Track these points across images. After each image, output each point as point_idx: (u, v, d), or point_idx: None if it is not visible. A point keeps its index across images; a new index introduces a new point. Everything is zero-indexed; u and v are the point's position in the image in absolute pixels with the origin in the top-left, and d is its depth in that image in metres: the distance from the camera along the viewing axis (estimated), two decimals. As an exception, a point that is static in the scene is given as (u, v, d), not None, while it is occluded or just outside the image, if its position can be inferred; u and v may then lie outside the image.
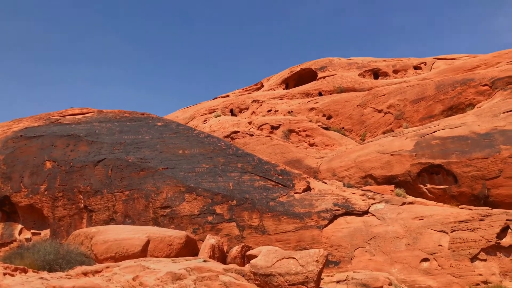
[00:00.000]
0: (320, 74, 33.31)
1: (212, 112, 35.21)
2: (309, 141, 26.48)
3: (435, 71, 28.56)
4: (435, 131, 18.54)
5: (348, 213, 12.17)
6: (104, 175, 14.96)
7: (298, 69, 35.75)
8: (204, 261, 8.88)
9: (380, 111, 25.70)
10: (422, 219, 11.38)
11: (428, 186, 16.94)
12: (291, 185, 13.52)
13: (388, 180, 17.93)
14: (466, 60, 28.54)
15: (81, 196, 14.93)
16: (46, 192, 15.33)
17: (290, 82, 36.39)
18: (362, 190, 15.36)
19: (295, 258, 9.74)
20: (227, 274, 7.02)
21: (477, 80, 22.80)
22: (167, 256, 11.15)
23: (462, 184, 16.02)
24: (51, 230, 15.24)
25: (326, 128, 27.08)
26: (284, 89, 35.46)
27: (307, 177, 14.26)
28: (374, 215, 11.94)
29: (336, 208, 12.22)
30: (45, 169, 15.83)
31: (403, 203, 12.45)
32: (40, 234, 15.66)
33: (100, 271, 8.92)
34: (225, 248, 11.98)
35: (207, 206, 13.27)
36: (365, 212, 12.11)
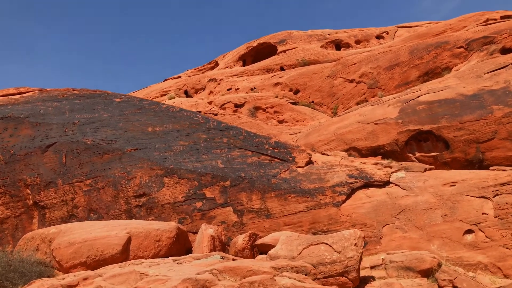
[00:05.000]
0: (280, 48, 31.38)
1: (165, 95, 32.32)
2: (278, 117, 24.54)
3: (399, 39, 27.56)
4: (419, 96, 17.20)
5: (367, 185, 10.33)
6: (56, 162, 12.04)
7: (256, 44, 33.58)
8: (222, 257, 6.62)
9: (352, 81, 24.23)
10: (455, 185, 9.80)
11: (417, 154, 15.57)
12: (290, 158, 11.45)
13: (374, 151, 16.46)
14: (430, 26, 27.77)
15: (29, 191, 11.94)
16: (-19, 190, 12.16)
17: (247, 59, 34.19)
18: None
19: (327, 244, 7.74)
20: (284, 275, 4.86)
21: (451, 42, 21.87)
22: (156, 256, 8.74)
23: (455, 150, 14.74)
24: (-9, 236, 12.13)
25: (295, 103, 25.29)
26: (241, 66, 33.21)
27: (306, 149, 12.27)
28: (397, 185, 10.20)
29: (353, 180, 10.33)
30: (-23, 160, 12.58)
31: (425, 169, 10.83)
32: (-24, 242, 12.48)
33: (75, 286, 6.37)
34: (222, 238, 9.73)
35: (194, 190, 10.88)
36: (386, 183, 10.34)
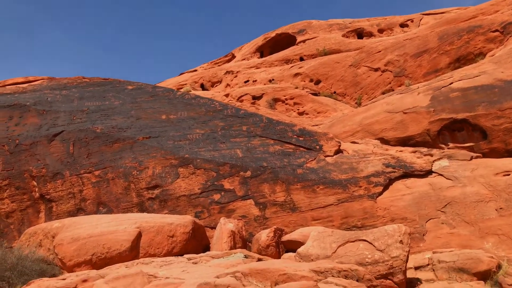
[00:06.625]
0: (299, 38, 30.11)
1: (181, 89, 31.42)
2: (298, 109, 23.30)
3: (425, 27, 26.01)
4: (452, 83, 15.81)
5: (406, 175, 9.15)
6: (63, 152, 11.16)
7: (273, 35, 32.38)
8: (246, 256, 5.58)
9: (376, 69, 22.87)
10: (509, 174, 8.55)
11: (451, 145, 14.19)
12: (317, 147, 10.33)
13: (403, 142, 15.17)
14: (459, 11, 26.16)
15: (35, 183, 11.10)
16: (-15, 182, 11.38)
17: (265, 50, 33.03)
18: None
19: (366, 241, 6.62)
20: (330, 282, 3.80)
21: (485, 26, 20.38)
22: (169, 253, 7.76)
23: (493, 139, 13.33)
24: (-4, 231, 11.35)
25: (316, 94, 24.01)
26: (259, 58, 32.11)
27: (336, 136, 11.14)
28: (441, 175, 8.99)
29: (390, 169, 9.16)
30: (-19, 151, 11.81)
31: (472, 157, 9.59)
32: (-19, 237, 11.73)
33: (73, 288, 5.39)
34: (243, 234, 8.68)
35: (212, 181, 9.85)
36: (428, 172, 9.14)
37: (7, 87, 14.62)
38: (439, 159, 9.51)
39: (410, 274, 7.37)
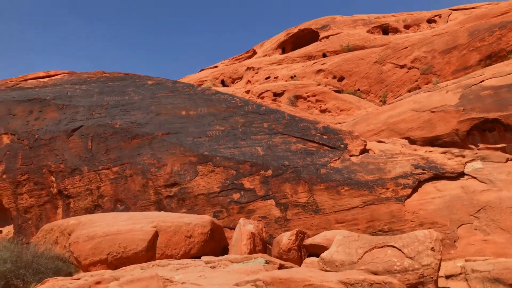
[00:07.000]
0: (322, 34, 29.51)
1: (201, 85, 31.25)
2: (320, 107, 22.78)
3: (454, 22, 25.10)
4: (483, 81, 15.08)
5: (437, 177, 8.64)
6: (82, 147, 11.02)
7: (296, 30, 31.87)
8: (267, 262, 5.24)
9: (402, 66, 22.17)
10: (549, 179, 7.97)
11: (481, 146, 13.51)
12: (342, 146, 9.89)
13: (430, 142, 14.57)
14: (490, 7, 25.15)
15: (53, 178, 11.00)
16: (4, 176, 11.34)
17: (286, 47, 32.54)
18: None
19: (395, 247, 6.19)
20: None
21: (519, 22, 19.52)
22: (186, 254, 7.48)
23: (527, 141, 12.61)
24: (15, 226, 11.32)
25: (339, 91, 23.44)
26: (280, 54, 31.62)
27: (360, 135, 10.68)
28: (474, 178, 8.46)
29: (419, 171, 8.66)
30: (1, 145, 11.78)
31: (507, 160, 9.00)
32: (0, 232, 11.74)
33: (86, 291, 5.14)
34: (264, 236, 8.34)
35: (231, 180, 9.53)
36: (460, 175, 8.61)
37: (28, 81, 14.63)
38: (471, 160, 8.96)
39: (441, 283, 6.91)
